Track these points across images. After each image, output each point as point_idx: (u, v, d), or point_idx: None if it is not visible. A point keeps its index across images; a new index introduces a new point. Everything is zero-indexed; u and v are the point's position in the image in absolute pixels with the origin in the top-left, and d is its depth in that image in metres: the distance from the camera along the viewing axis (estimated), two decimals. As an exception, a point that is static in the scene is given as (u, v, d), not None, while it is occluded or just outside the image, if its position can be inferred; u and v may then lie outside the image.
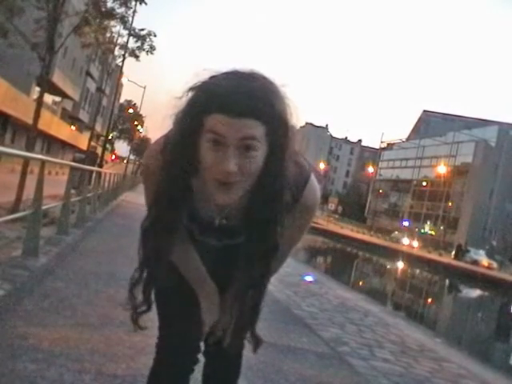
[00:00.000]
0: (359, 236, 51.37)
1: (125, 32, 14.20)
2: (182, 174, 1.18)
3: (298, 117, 1.19)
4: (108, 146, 45.68)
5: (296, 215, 1.28)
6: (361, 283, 20.08)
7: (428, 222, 69.62)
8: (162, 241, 1.25)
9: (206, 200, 1.25)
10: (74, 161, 18.03)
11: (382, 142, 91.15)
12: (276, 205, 1.19)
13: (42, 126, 12.96)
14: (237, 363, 1.61)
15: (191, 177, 1.19)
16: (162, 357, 1.48)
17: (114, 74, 30.94)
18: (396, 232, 63.68)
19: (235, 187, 1.12)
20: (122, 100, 72.91)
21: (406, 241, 55.23)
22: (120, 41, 17.26)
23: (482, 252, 47.07)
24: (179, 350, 1.46)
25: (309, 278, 8.65)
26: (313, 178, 1.31)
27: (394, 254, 38.26)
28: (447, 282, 30.78)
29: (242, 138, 1.08)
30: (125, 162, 52.16)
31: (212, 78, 1.14)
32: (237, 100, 1.07)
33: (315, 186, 1.31)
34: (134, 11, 13.11)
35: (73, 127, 45.40)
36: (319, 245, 35.63)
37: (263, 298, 1.32)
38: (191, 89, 1.15)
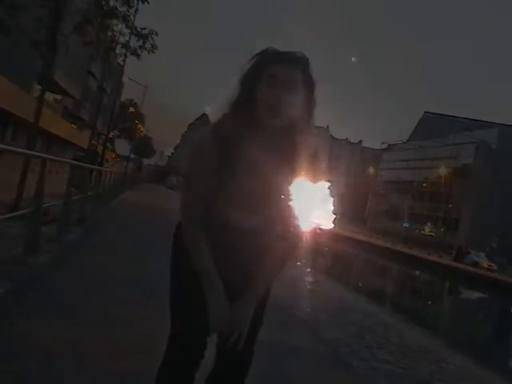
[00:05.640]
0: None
1: (126, 31, 14.20)
2: (245, 109, 1.58)
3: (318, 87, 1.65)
4: (109, 144, 45.74)
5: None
6: None
7: (428, 224, 69.52)
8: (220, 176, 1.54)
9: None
10: (74, 159, 17.99)
11: (382, 143, 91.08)
12: (305, 140, 1.63)
13: (42, 123, 12.93)
14: (247, 365, 1.77)
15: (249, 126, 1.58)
16: (174, 353, 1.61)
17: (116, 73, 30.97)
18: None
19: (282, 113, 1.55)
20: (122, 99, 72.82)
21: None
22: (121, 39, 17.26)
23: (482, 254, 47.00)
24: (191, 347, 1.60)
25: None
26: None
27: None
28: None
29: (291, 80, 1.56)
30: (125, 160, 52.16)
31: (269, 47, 1.63)
32: (289, 57, 1.59)
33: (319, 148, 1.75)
34: (136, 10, 13.10)
35: (74, 125, 45.37)
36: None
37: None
38: (256, 54, 1.63)
